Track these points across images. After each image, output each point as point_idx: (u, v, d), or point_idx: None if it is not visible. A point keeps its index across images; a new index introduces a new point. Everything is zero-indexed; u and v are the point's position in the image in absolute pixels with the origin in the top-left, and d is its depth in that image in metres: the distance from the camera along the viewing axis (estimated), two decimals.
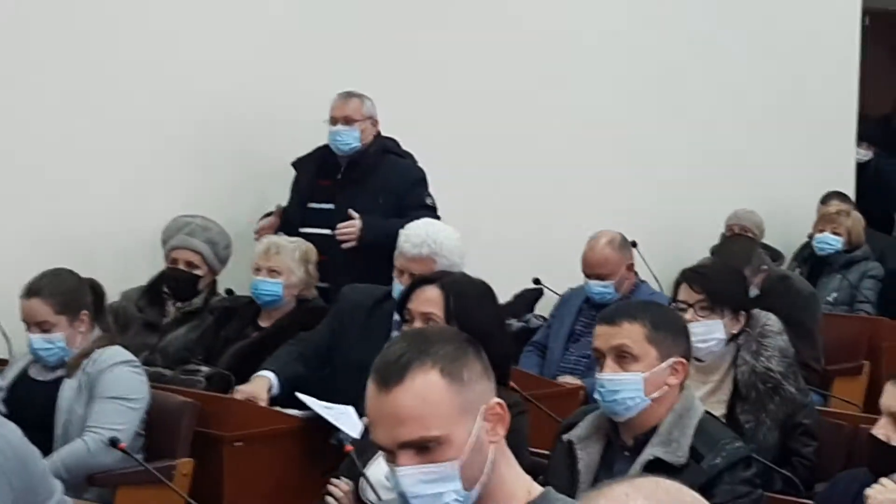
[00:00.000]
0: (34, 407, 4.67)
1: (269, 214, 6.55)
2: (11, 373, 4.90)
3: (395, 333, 5.06)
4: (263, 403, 5.06)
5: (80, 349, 4.80)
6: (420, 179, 6.45)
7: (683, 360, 3.68)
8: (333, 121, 6.41)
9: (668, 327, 3.69)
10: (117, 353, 4.81)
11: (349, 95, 6.45)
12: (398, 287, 5.07)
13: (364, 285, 5.43)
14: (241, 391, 5.11)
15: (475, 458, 2.47)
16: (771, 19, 9.17)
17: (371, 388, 2.46)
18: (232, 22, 6.71)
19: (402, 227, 5.59)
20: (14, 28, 6.06)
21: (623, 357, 3.64)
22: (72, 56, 6.20)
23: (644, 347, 3.63)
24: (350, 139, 6.39)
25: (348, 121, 6.39)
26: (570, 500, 2.54)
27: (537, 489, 2.57)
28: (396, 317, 5.06)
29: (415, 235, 5.14)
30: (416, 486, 2.46)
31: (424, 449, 2.43)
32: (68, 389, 4.73)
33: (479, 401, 2.48)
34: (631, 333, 3.64)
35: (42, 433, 4.47)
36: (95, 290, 4.94)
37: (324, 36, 6.98)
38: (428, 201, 6.37)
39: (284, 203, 6.55)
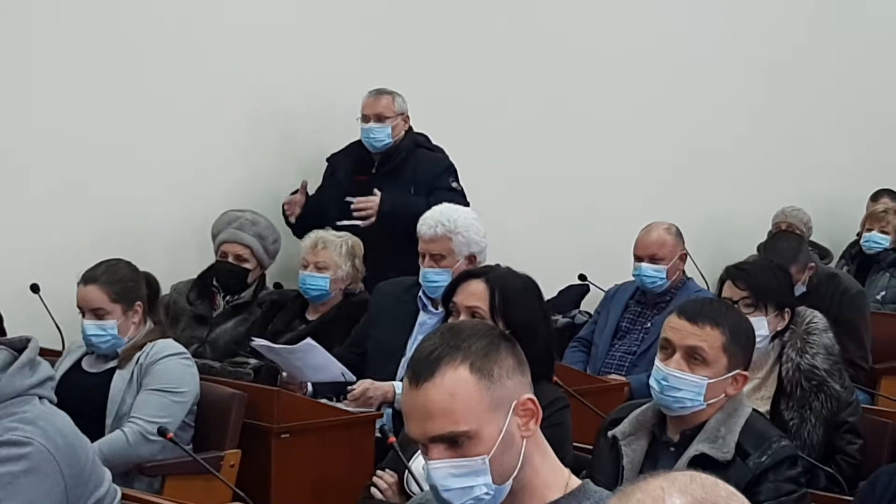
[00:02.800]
0: (86, 397, 4.70)
1: (295, 192, 6.62)
2: (65, 364, 4.94)
3: (421, 315, 5.23)
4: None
5: (131, 339, 4.84)
6: (448, 167, 6.55)
7: (745, 374, 3.69)
8: (365, 118, 6.50)
9: (742, 339, 3.70)
10: (169, 345, 4.85)
11: (380, 93, 6.53)
12: (423, 271, 5.23)
13: (395, 279, 5.56)
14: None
15: (506, 453, 2.50)
16: (824, 18, 9.15)
17: (405, 383, 2.52)
18: (280, 19, 6.76)
19: (423, 204, 5.82)
20: (64, 20, 6.12)
21: (694, 358, 3.65)
22: (123, 51, 6.27)
23: (718, 355, 3.64)
24: (382, 136, 6.48)
25: (380, 118, 6.48)
26: (608, 493, 2.55)
27: (575, 482, 2.59)
28: (422, 296, 5.23)
29: (429, 218, 5.32)
30: (447, 479, 2.50)
31: (454, 443, 2.47)
32: (120, 380, 4.77)
33: (510, 396, 2.51)
34: (709, 338, 3.64)
35: (93, 424, 4.50)
36: (151, 283, 4.99)
37: (371, 34, 7.03)
38: (454, 185, 6.46)
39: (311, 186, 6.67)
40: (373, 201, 6.38)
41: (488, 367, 2.49)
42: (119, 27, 6.26)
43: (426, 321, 5.22)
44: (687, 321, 3.66)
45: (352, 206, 6.33)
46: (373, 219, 6.33)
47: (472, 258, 5.22)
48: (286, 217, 6.56)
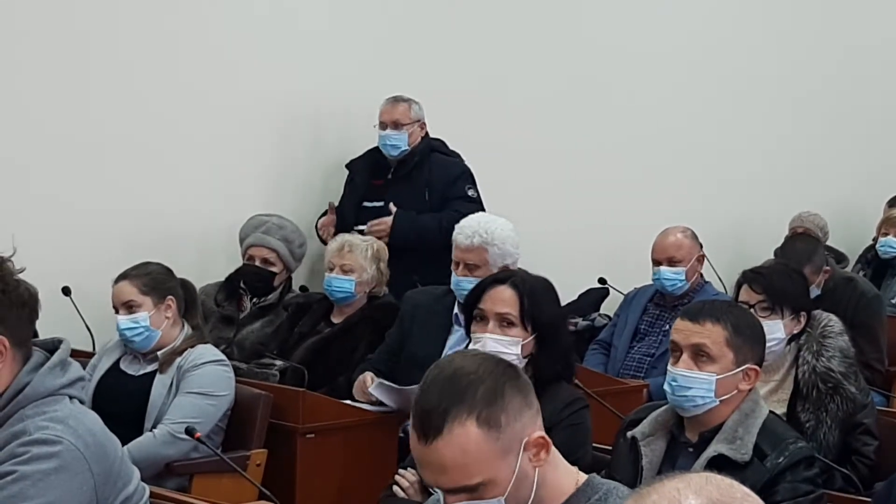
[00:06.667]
0: (124, 400, 4.78)
1: (325, 213, 6.70)
2: (103, 363, 4.99)
3: (454, 328, 5.17)
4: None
5: (164, 334, 4.88)
6: (462, 173, 6.57)
7: (757, 368, 3.73)
8: (382, 125, 6.54)
9: (748, 333, 3.74)
10: (208, 351, 4.91)
11: (397, 100, 6.57)
12: (456, 278, 5.20)
13: (424, 287, 5.57)
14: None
15: (521, 487, 2.51)
16: (840, 24, 9.16)
17: (413, 435, 2.50)
18: (307, 28, 6.81)
19: (436, 221, 5.92)
20: (101, 30, 6.18)
21: (700, 356, 3.70)
22: (152, 59, 6.33)
23: (722, 350, 3.69)
24: (398, 143, 6.53)
25: (396, 125, 6.52)
26: (614, 483, 2.61)
27: (583, 477, 2.63)
28: (457, 310, 5.17)
29: (467, 227, 5.25)
30: None
31: (471, 490, 2.47)
32: (161, 385, 4.81)
33: (519, 437, 2.50)
34: (712, 334, 3.70)
35: (131, 426, 4.60)
36: (187, 288, 5.06)
37: (395, 41, 7.07)
38: (470, 193, 6.48)
39: (336, 201, 6.71)
40: (385, 223, 6.41)
41: (495, 415, 2.47)
42: (146, 37, 6.31)
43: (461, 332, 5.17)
44: (689, 321, 3.73)
45: (365, 231, 6.34)
46: (386, 239, 6.30)
47: (505, 269, 5.10)
48: (321, 239, 6.56)
